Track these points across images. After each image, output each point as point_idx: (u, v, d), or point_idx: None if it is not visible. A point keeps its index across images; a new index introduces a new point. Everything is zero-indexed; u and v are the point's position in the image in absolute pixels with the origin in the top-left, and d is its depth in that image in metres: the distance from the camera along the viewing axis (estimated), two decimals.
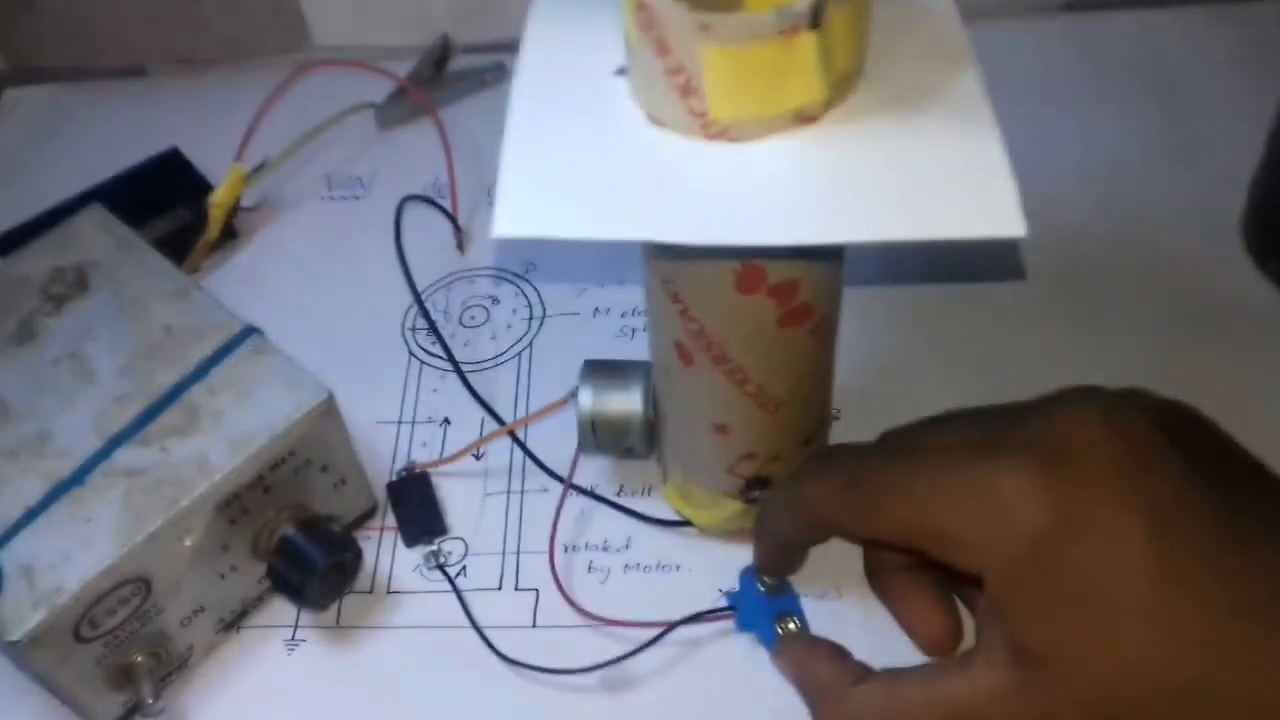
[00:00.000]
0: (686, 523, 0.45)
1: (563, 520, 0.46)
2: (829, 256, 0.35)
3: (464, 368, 0.51)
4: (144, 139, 0.59)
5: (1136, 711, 0.32)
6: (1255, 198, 0.51)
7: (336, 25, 0.66)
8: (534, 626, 0.43)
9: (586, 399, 0.43)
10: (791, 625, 0.42)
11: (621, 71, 0.34)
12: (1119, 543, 0.32)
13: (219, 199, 0.55)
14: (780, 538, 0.41)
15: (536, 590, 0.44)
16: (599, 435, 0.44)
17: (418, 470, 0.47)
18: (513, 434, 0.48)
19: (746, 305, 0.35)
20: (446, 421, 0.50)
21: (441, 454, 0.49)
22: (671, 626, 0.42)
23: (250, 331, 0.44)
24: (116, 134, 0.63)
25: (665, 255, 0.35)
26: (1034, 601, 0.33)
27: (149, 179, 0.57)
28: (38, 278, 0.46)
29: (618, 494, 0.47)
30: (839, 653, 0.39)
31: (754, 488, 0.41)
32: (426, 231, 0.56)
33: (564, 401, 0.45)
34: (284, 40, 0.67)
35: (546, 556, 0.45)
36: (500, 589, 0.45)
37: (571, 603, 0.43)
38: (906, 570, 0.41)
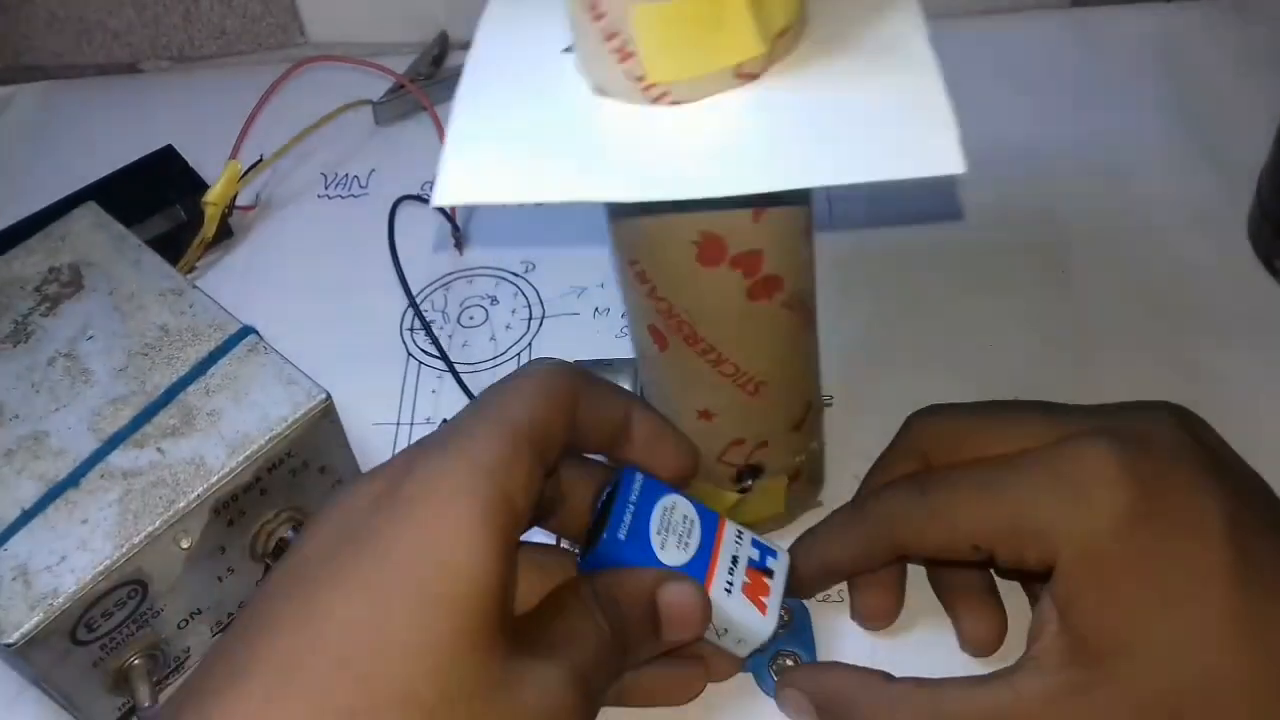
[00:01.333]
0: None
1: None
2: (790, 223, 0.35)
3: (463, 368, 0.50)
4: (138, 137, 0.59)
5: (1204, 712, 0.31)
6: (1262, 197, 0.51)
7: (332, 21, 0.66)
8: None
9: None
10: (790, 662, 0.40)
11: (569, 49, 0.34)
12: (1200, 527, 0.32)
13: (214, 197, 0.55)
14: (832, 565, 0.40)
15: None
16: None
17: None
18: None
19: (711, 278, 0.35)
20: (445, 423, 0.49)
21: None
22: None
23: (247, 331, 0.43)
24: (110, 132, 0.63)
25: (623, 227, 0.35)
26: (1108, 588, 0.32)
27: (143, 177, 0.57)
28: (32, 277, 0.46)
29: None
30: (851, 665, 0.39)
31: (746, 476, 0.41)
32: (424, 230, 0.56)
33: None
34: (279, 36, 0.66)
35: None
36: None
37: None
38: (967, 570, 0.40)
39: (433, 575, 0.30)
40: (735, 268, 0.34)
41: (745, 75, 0.31)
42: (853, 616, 0.41)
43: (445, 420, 0.49)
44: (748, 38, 0.30)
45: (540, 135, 0.32)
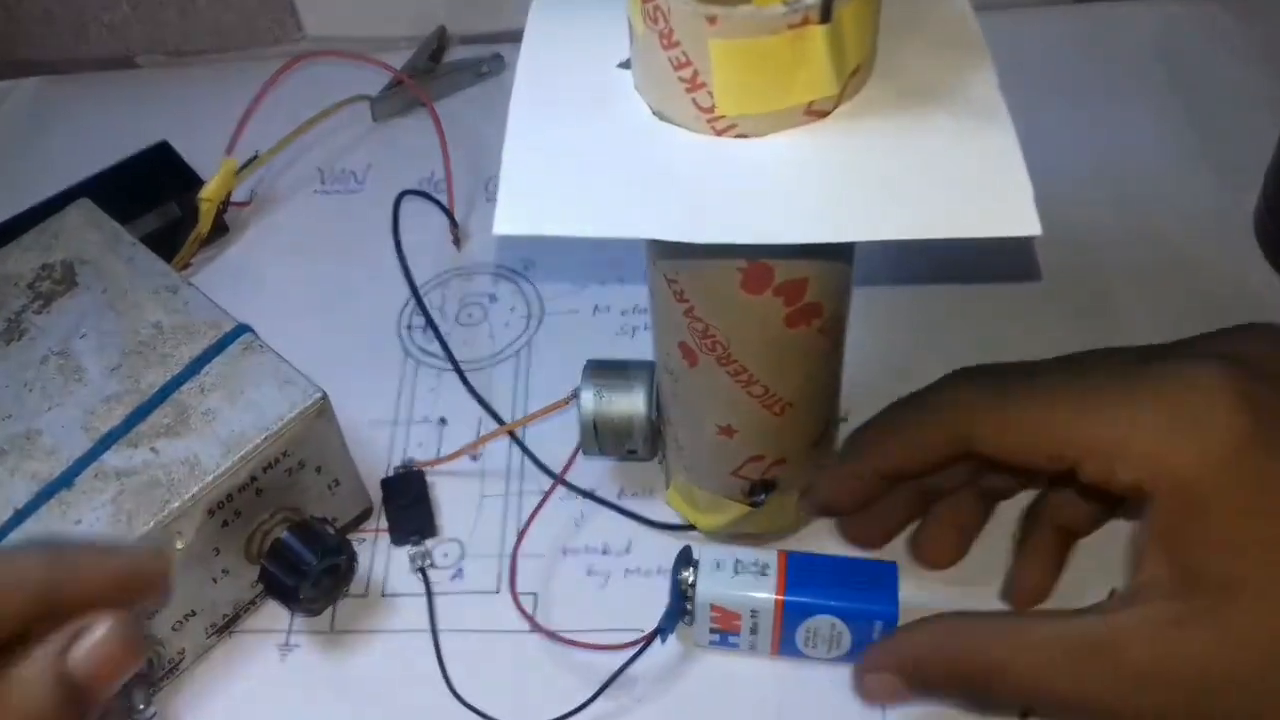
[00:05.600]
0: (690, 526, 0.44)
1: (562, 522, 0.45)
2: (838, 255, 0.35)
3: (463, 367, 0.50)
4: (133, 132, 0.59)
5: None
6: (1269, 195, 0.50)
7: (329, 16, 0.65)
8: (531, 631, 0.43)
9: (589, 399, 0.43)
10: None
11: (625, 65, 0.33)
12: None
13: (210, 193, 0.54)
14: (885, 462, 0.38)
15: (535, 594, 0.44)
16: (601, 437, 0.43)
17: (416, 468, 0.47)
18: (512, 434, 0.48)
19: (753, 304, 0.34)
20: (443, 421, 0.49)
21: (439, 454, 0.48)
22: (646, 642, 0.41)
23: (242, 329, 0.43)
24: (105, 127, 0.62)
25: (670, 253, 0.34)
26: (1216, 520, 0.31)
27: (138, 173, 0.56)
28: (25, 274, 0.45)
29: (619, 496, 0.46)
30: (920, 623, 0.37)
31: (759, 491, 0.41)
32: (422, 227, 0.56)
33: (566, 402, 0.45)
34: (275, 31, 0.66)
35: (545, 559, 0.44)
36: (499, 592, 0.44)
37: (522, 610, 0.43)
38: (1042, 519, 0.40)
39: None
40: (777, 295, 0.34)
41: (814, 113, 0.31)
42: (914, 554, 0.40)
43: (443, 419, 0.49)
44: (823, 76, 0.29)
45: (601, 162, 0.31)
